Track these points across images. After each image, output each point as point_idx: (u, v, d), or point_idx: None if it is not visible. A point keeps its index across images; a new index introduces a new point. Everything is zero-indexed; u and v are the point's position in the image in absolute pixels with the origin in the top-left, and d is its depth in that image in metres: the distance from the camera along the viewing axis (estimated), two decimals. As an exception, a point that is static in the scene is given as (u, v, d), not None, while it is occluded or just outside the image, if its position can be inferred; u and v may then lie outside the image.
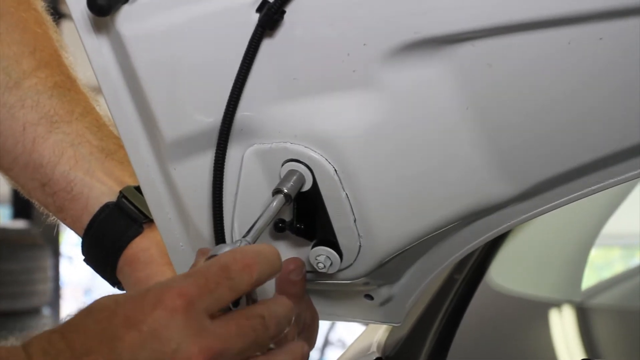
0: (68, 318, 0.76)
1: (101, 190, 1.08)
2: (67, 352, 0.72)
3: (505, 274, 1.48)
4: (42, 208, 1.13)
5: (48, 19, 1.14)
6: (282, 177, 0.90)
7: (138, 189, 1.06)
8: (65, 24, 1.17)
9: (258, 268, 0.77)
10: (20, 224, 6.06)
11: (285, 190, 0.89)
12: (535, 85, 0.85)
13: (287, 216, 0.93)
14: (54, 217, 1.13)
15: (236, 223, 0.94)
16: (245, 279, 0.76)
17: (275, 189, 0.89)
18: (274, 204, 0.89)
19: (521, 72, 0.84)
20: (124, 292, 0.79)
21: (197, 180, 0.94)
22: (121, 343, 0.71)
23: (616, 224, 1.72)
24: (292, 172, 0.90)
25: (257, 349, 0.77)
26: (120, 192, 1.08)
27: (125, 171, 1.09)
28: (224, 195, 0.93)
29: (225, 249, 0.81)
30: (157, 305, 0.72)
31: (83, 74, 1.14)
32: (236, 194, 0.93)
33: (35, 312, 5.77)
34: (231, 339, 0.74)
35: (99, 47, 0.92)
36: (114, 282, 1.11)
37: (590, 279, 1.70)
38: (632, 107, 0.85)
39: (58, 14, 1.17)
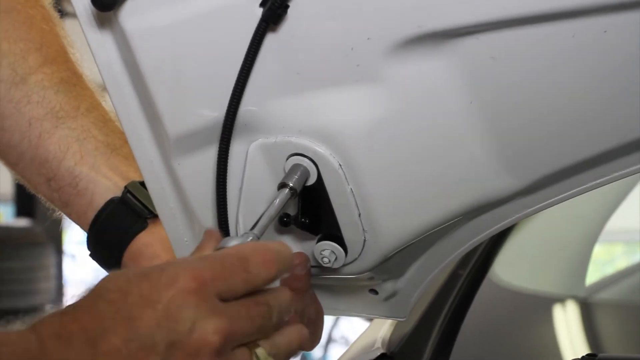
0: (76, 299, 0.76)
1: (106, 186, 1.08)
2: (82, 334, 0.72)
3: (509, 269, 1.49)
4: (48, 203, 1.13)
5: (55, 16, 1.14)
6: (286, 171, 0.90)
7: (143, 184, 1.07)
8: (68, 23, 1.17)
9: (277, 266, 0.78)
10: (22, 222, 6.06)
11: (291, 184, 0.89)
12: (540, 79, 0.85)
13: (292, 210, 0.93)
14: (59, 212, 1.13)
15: (241, 218, 0.94)
16: (262, 275, 0.77)
17: (280, 183, 0.89)
18: (280, 198, 0.89)
19: (525, 66, 0.84)
20: (132, 269, 0.79)
21: (201, 175, 0.94)
22: (137, 322, 0.72)
23: (620, 219, 1.72)
24: (296, 166, 0.90)
25: (260, 335, 0.78)
26: (125, 187, 1.08)
27: (130, 166, 1.09)
28: (228, 190, 0.93)
29: (232, 241, 0.82)
30: (171, 285, 0.73)
31: (90, 71, 1.14)
32: (241, 188, 0.93)
33: (38, 310, 5.77)
34: (241, 321, 0.75)
35: (103, 43, 0.92)
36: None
37: (594, 274, 1.70)
38: (637, 100, 0.84)
39: (60, 12, 1.17)
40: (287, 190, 0.89)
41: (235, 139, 0.91)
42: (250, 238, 0.84)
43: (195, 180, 0.95)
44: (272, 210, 0.88)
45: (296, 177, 0.90)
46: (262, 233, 0.86)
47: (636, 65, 0.83)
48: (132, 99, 0.95)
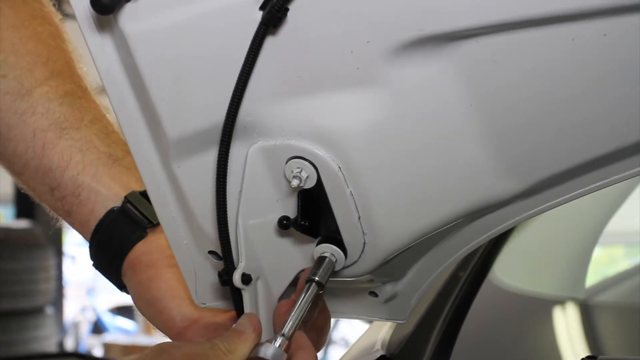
0: None
1: (107, 196, 1.10)
2: None
3: (509, 271, 1.48)
4: (52, 212, 1.14)
5: (63, 32, 1.16)
6: (314, 262, 0.94)
7: (143, 194, 1.08)
8: (68, 24, 1.17)
9: None
10: (23, 223, 6.06)
11: (316, 279, 0.92)
12: (539, 82, 0.85)
13: (292, 213, 0.93)
14: (62, 221, 1.14)
15: (240, 220, 0.94)
16: None
17: (307, 278, 0.92)
18: (306, 295, 0.92)
19: (525, 69, 0.84)
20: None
21: (201, 178, 0.94)
22: None
23: (620, 222, 1.72)
24: (321, 259, 0.93)
25: None
26: (125, 197, 1.09)
27: (132, 177, 1.10)
28: (228, 193, 0.93)
29: (269, 349, 0.88)
30: None
31: (89, 74, 1.15)
32: (240, 191, 0.93)
33: (38, 311, 5.78)
34: None
35: (103, 46, 0.92)
36: (121, 285, 1.11)
37: (594, 277, 1.70)
38: (636, 103, 0.84)
39: (61, 14, 1.17)
40: (313, 284, 0.92)
41: (235, 141, 0.91)
42: (285, 344, 0.89)
43: (194, 182, 0.95)
44: (300, 310, 0.91)
45: (321, 271, 0.93)
46: (292, 334, 0.90)
47: (635, 68, 0.83)
48: (132, 102, 0.95)
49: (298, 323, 0.90)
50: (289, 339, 0.89)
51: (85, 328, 8.55)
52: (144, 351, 0.83)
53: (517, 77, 0.85)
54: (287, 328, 0.89)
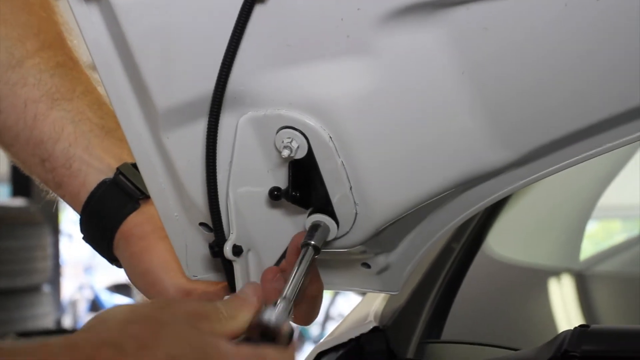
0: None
1: (99, 168, 1.09)
2: None
3: (503, 242, 1.48)
4: (42, 185, 1.13)
5: (54, 4, 1.15)
6: (306, 228, 0.93)
7: (135, 165, 1.07)
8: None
9: None
10: (19, 201, 6.05)
11: (313, 243, 0.91)
12: (531, 49, 0.84)
13: (283, 184, 0.93)
14: (53, 194, 1.13)
15: (231, 192, 0.94)
16: None
17: (302, 242, 0.91)
18: (304, 258, 0.90)
19: (517, 36, 0.84)
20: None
21: (190, 149, 0.94)
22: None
23: (617, 196, 1.72)
24: (316, 225, 0.92)
25: None
26: (117, 169, 1.09)
27: (124, 149, 1.09)
28: (218, 164, 0.92)
29: (273, 313, 0.85)
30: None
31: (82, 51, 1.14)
32: (230, 162, 0.93)
33: (35, 289, 5.78)
34: None
35: (89, 15, 0.91)
36: (112, 258, 1.11)
37: (591, 251, 1.70)
38: (631, 69, 0.84)
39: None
40: (310, 248, 0.91)
41: (225, 112, 0.90)
42: (290, 307, 0.87)
43: (184, 153, 0.95)
44: (299, 273, 0.89)
45: (316, 236, 0.91)
46: (294, 295, 0.88)
47: (629, 33, 0.82)
48: (120, 74, 0.94)
49: (298, 286, 0.89)
50: (291, 301, 0.88)
51: (82, 306, 8.57)
52: (148, 302, 0.81)
53: (509, 45, 0.84)
54: (288, 291, 0.88)
